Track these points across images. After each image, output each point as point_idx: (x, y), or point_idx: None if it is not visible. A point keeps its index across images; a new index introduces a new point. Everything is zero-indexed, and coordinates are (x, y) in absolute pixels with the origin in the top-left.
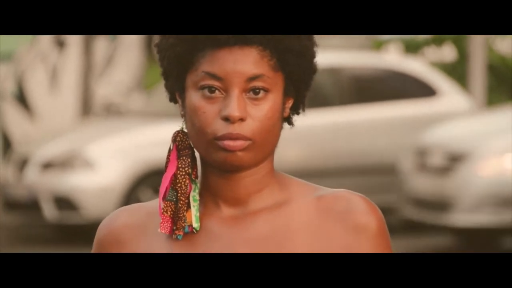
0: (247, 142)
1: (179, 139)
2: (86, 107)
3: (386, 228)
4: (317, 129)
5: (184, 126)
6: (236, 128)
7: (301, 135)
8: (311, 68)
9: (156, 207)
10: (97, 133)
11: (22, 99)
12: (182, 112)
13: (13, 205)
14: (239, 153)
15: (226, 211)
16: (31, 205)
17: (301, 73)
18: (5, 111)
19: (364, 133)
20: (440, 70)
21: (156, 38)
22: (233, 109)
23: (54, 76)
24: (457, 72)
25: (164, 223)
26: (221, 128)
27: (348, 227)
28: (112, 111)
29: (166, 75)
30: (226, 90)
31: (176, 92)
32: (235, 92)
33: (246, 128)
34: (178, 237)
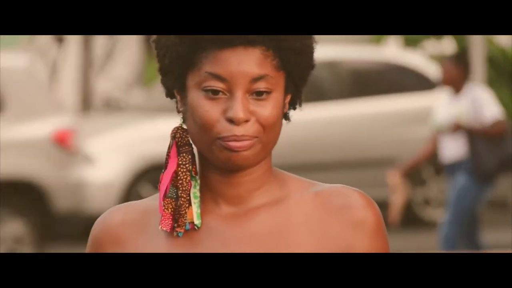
0: (252, 141)
1: (178, 135)
2: (86, 103)
3: (383, 223)
4: (316, 123)
5: (182, 122)
6: (240, 130)
7: (300, 129)
8: (311, 65)
9: (152, 204)
10: (97, 129)
11: None
12: (181, 109)
13: None
14: (244, 153)
15: (226, 208)
16: None
17: (301, 71)
18: None
19: (363, 126)
20: (439, 63)
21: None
22: (238, 111)
23: (54, 72)
24: None
25: (165, 220)
26: (225, 129)
27: (346, 222)
28: (112, 106)
29: (165, 73)
30: (230, 91)
31: (175, 89)
32: (240, 93)
33: (251, 128)
34: (179, 234)
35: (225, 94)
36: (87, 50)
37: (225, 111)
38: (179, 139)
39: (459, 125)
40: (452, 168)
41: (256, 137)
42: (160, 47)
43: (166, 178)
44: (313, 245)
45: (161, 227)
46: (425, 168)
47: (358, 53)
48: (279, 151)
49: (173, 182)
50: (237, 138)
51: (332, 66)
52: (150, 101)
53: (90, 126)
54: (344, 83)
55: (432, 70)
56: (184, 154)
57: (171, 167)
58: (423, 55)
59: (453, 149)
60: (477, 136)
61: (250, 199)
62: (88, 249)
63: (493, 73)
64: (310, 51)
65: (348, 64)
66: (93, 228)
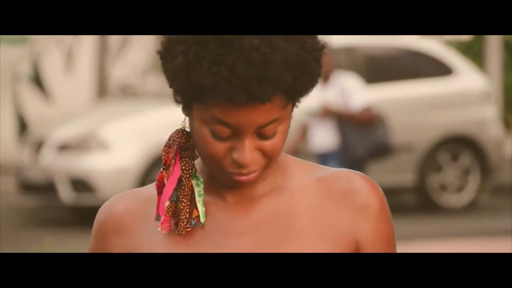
0: (259, 172)
1: (183, 140)
2: (102, 89)
3: (387, 206)
4: None
5: (184, 125)
6: (248, 168)
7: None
8: (315, 83)
9: (154, 191)
10: (113, 115)
11: (37, 81)
12: (185, 113)
13: (29, 187)
14: (252, 178)
15: (230, 198)
16: (47, 187)
17: (307, 94)
18: (21, 93)
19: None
20: (456, 49)
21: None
22: (245, 158)
23: (69, 58)
24: (473, 50)
25: (165, 223)
26: (232, 166)
27: (350, 207)
28: (128, 92)
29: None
30: (237, 134)
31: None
32: (247, 139)
33: (257, 161)
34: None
35: (232, 134)
36: (103, 36)
37: (231, 149)
38: (183, 143)
39: (328, 110)
40: (323, 157)
41: (262, 166)
42: (168, 69)
43: (170, 185)
44: (316, 232)
45: (161, 229)
46: (441, 153)
47: (375, 39)
48: (293, 136)
49: (175, 187)
50: (244, 174)
51: (349, 51)
52: (166, 88)
53: (106, 112)
54: (360, 69)
55: (448, 56)
56: (187, 159)
57: (176, 174)
58: (440, 41)
59: (323, 138)
60: (346, 124)
61: (255, 188)
62: (93, 236)
63: (509, 59)
64: (318, 76)
65: (365, 50)
66: (97, 215)
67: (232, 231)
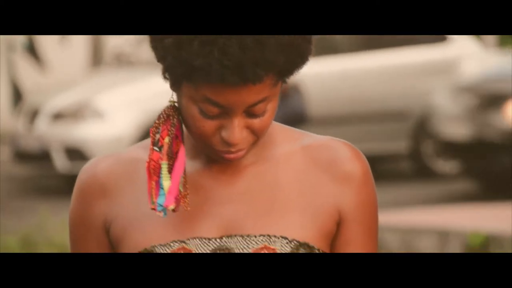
0: (246, 149)
1: (178, 115)
2: (97, 58)
3: (370, 174)
4: (326, 77)
5: (174, 101)
6: (236, 147)
7: (309, 82)
8: (306, 62)
9: (140, 153)
10: (108, 83)
11: (32, 50)
12: (173, 89)
13: (24, 156)
14: (240, 155)
15: (215, 166)
16: (42, 156)
17: (297, 72)
18: (16, 62)
19: (373, 80)
20: None
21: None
22: (234, 137)
23: None
24: None
25: (172, 202)
26: (220, 144)
27: (334, 176)
28: (122, 61)
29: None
30: (226, 113)
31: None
32: (236, 118)
33: (245, 140)
34: (165, 214)
35: (221, 112)
36: None
37: (220, 128)
38: (179, 125)
39: None
40: None
41: (251, 143)
42: (157, 47)
43: (181, 163)
44: (300, 203)
45: (173, 208)
46: None
47: None
48: None
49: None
50: (232, 152)
51: None
52: None
53: (100, 81)
54: (355, 36)
55: None
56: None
57: (183, 151)
58: None
59: None
60: None
61: (241, 158)
62: (74, 198)
63: None
64: (308, 56)
65: None
66: (78, 177)
67: (216, 200)
